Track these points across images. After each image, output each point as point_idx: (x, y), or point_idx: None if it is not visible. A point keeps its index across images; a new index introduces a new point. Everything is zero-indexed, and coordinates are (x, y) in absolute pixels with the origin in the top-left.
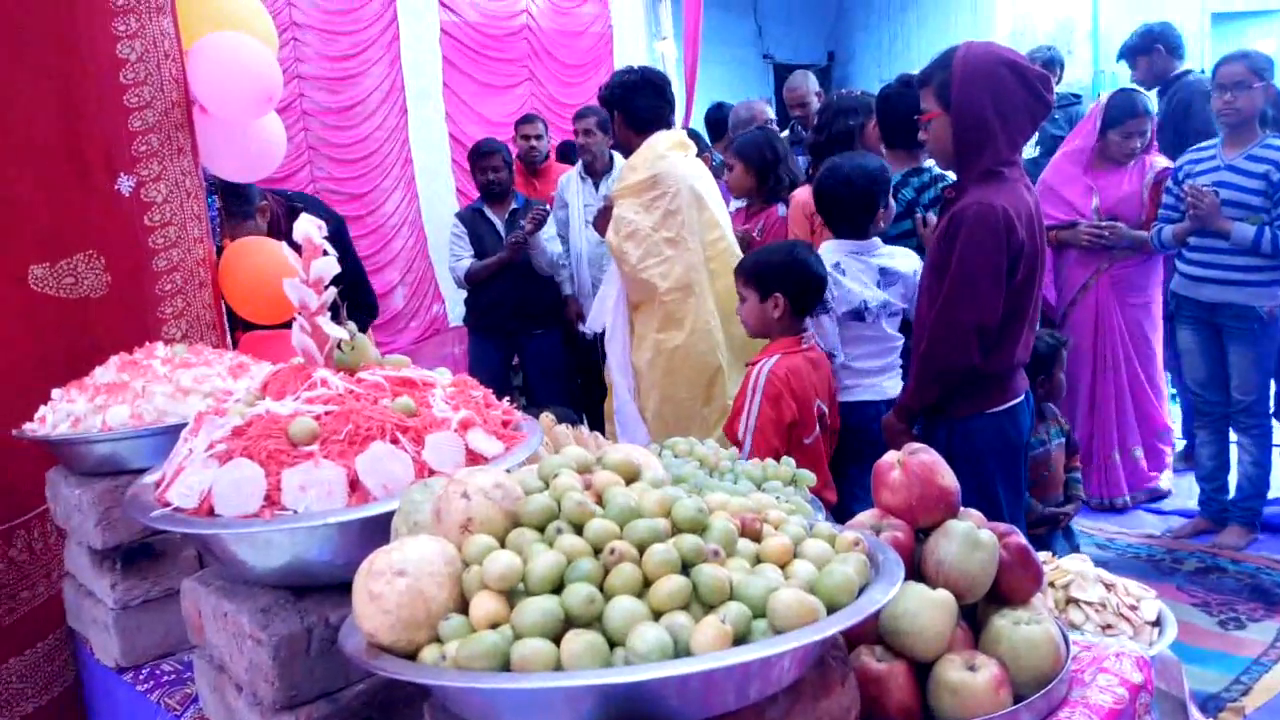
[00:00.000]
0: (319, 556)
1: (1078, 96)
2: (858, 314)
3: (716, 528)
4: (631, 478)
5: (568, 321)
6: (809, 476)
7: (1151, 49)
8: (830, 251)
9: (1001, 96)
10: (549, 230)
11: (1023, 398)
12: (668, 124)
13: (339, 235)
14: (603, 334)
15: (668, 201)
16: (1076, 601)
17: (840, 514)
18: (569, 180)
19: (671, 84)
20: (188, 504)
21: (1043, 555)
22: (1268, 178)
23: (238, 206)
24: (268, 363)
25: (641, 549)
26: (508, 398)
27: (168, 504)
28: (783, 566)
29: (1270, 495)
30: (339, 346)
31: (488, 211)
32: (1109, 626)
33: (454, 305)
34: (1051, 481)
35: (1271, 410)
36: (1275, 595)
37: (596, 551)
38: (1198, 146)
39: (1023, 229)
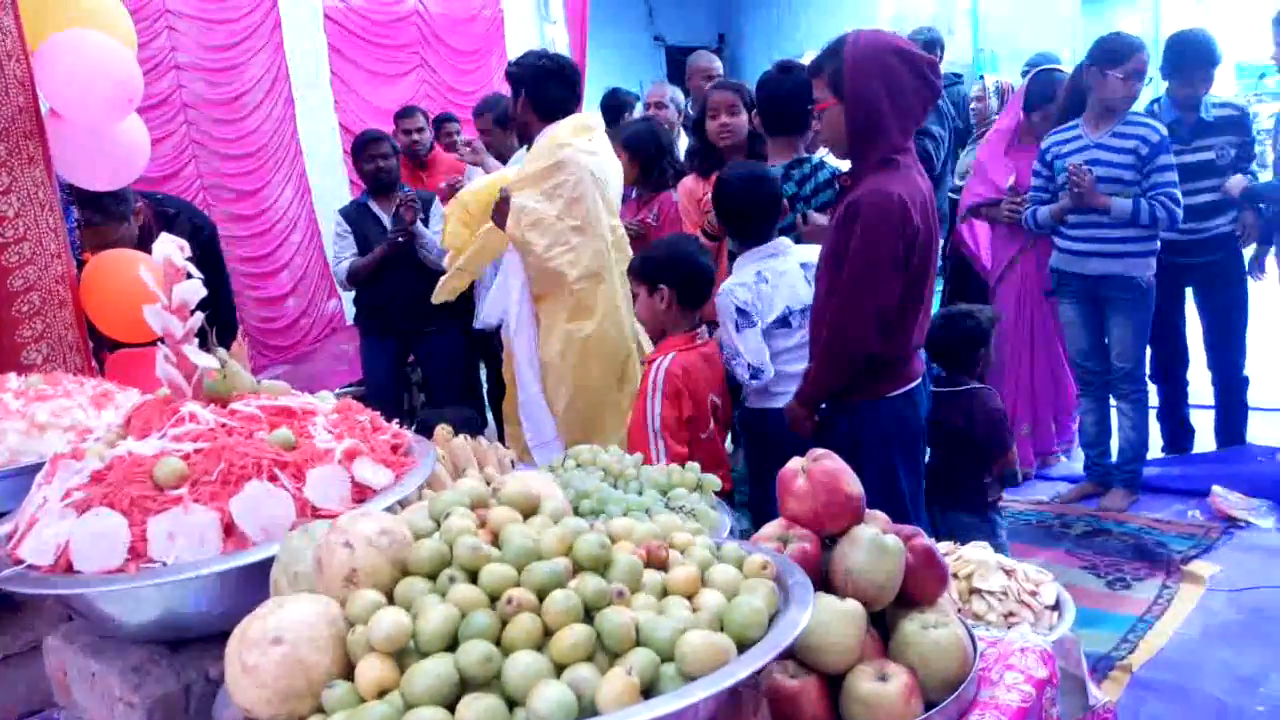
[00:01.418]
0: (193, 608)
1: (959, 76)
2: (784, 320)
3: (620, 564)
4: (530, 511)
5: (464, 315)
6: (714, 481)
7: None
8: (748, 263)
9: (893, 84)
10: (439, 224)
11: (920, 381)
12: (572, 112)
13: (211, 244)
14: (500, 328)
15: (570, 189)
16: (979, 591)
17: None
18: (474, 170)
19: (580, 69)
20: (43, 560)
21: (945, 546)
22: (1136, 153)
23: (115, 206)
24: (135, 391)
25: (542, 594)
26: (408, 403)
27: (20, 561)
28: (690, 597)
29: (1149, 457)
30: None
31: (373, 206)
32: (1011, 614)
33: (351, 302)
34: None
35: (1146, 375)
36: (1157, 554)
37: (493, 599)
38: (1060, 127)
39: (918, 215)
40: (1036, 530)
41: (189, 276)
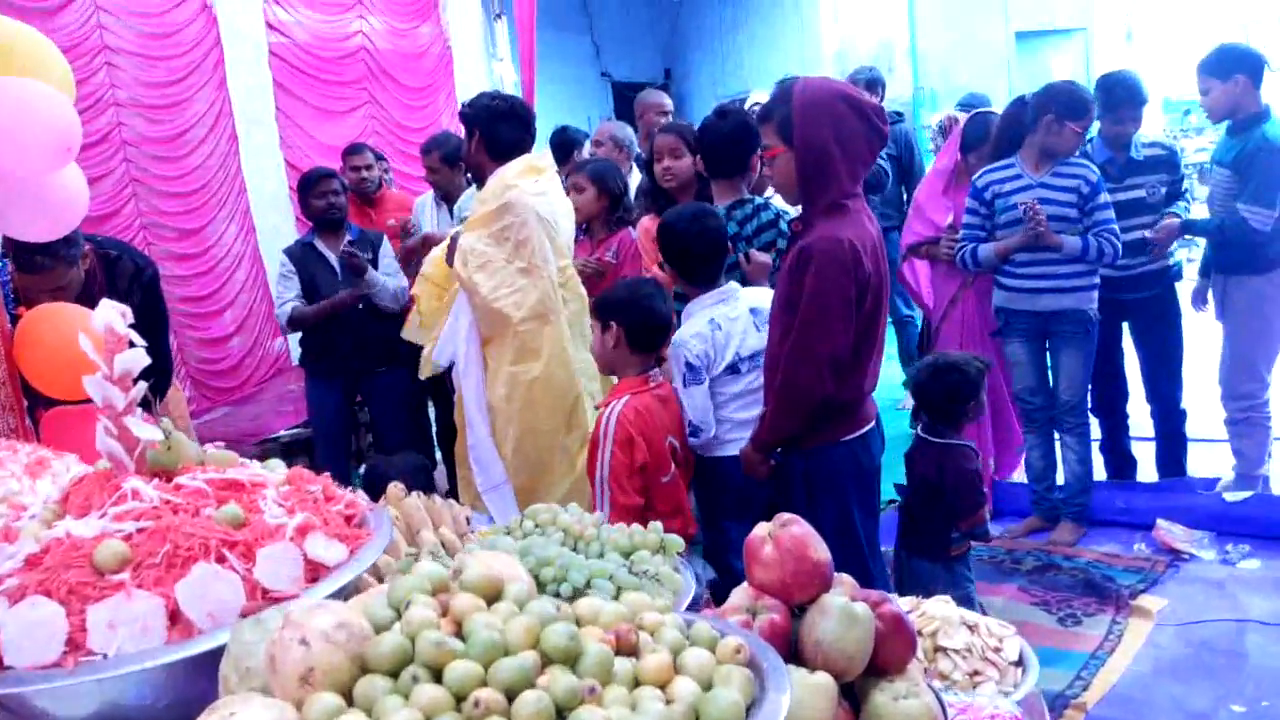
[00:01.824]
0: (136, 701)
1: (900, 115)
2: (733, 368)
3: (590, 655)
4: (494, 596)
5: (413, 356)
6: (677, 542)
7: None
8: (700, 310)
9: (841, 130)
10: (389, 264)
11: (874, 424)
12: (526, 152)
13: (152, 286)
14: (451, 369)
15: (517, 231)
16: (944, 650)
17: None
18: (423, 205)
19: (533, 110)
20: None
21: (908, 602)
22: (1078, 191)
23: (65, 250)
24: (73, 457)
25: (510, 694)
26: (355, 445)
27: None
28: (663, 686)
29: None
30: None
31: (319, 245)
32: (976, 673)
33: (298, 343)
34: None
35: (1089, 407)
36: (1106, 589)
37: (459, 699)
38: (995, 165)
39: (868, 260)
40: (988, 567)
41: (131, 345)
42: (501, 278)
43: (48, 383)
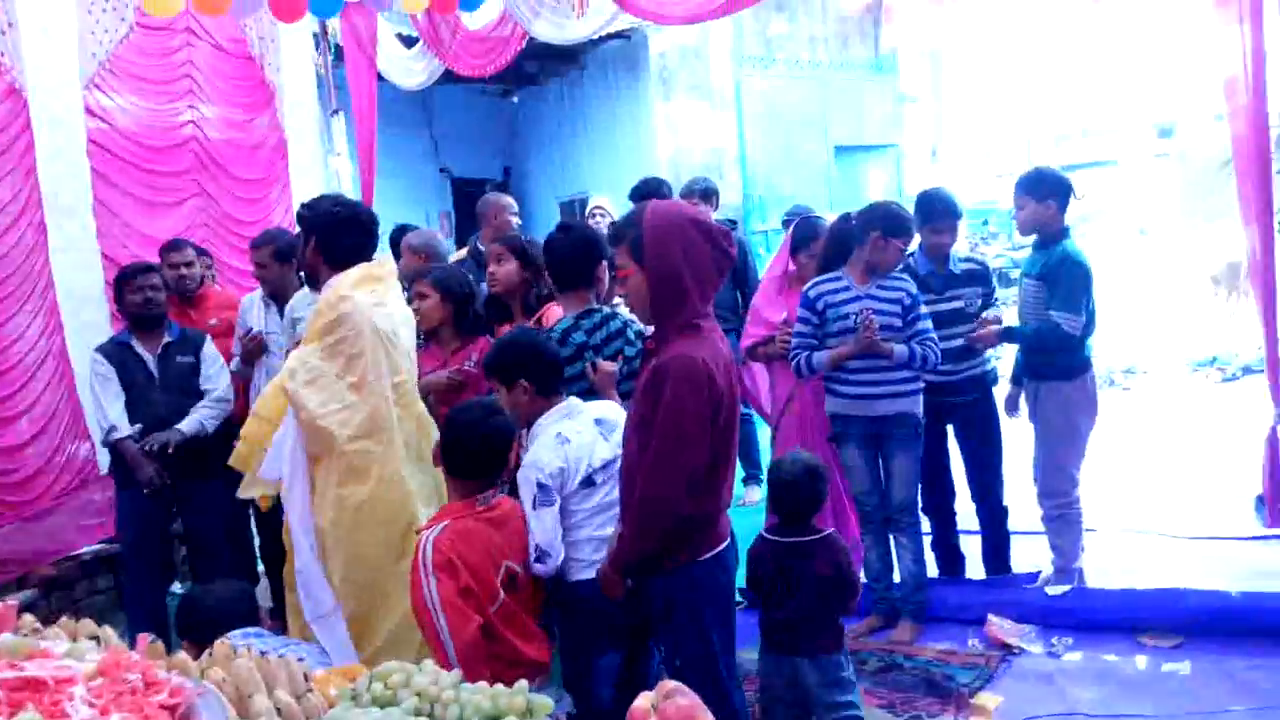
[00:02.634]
0: None
1: (733, 222)
2: (589, 480)
3: None
4: None
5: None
6: (546, 704)
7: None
8: (546, 426)
9: (691, 253)
10: (212, 368)
11: (729, 541)
12: (366, 260)
13: None
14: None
15: (350, 345)
16: None
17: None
18: (251, 305)
19: (376, 217)
20: None
21: None
22: (901, 303)
23: None
24: None
25: None
26: (175, 582)
27: None
28: None
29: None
30: None
31: (136, 345)
32: None
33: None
34: None
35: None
36: (946, 687)
37: None
38: (824, 277)
39: (721, 378)
40: None
41: None
42: (330, 393)
43: None
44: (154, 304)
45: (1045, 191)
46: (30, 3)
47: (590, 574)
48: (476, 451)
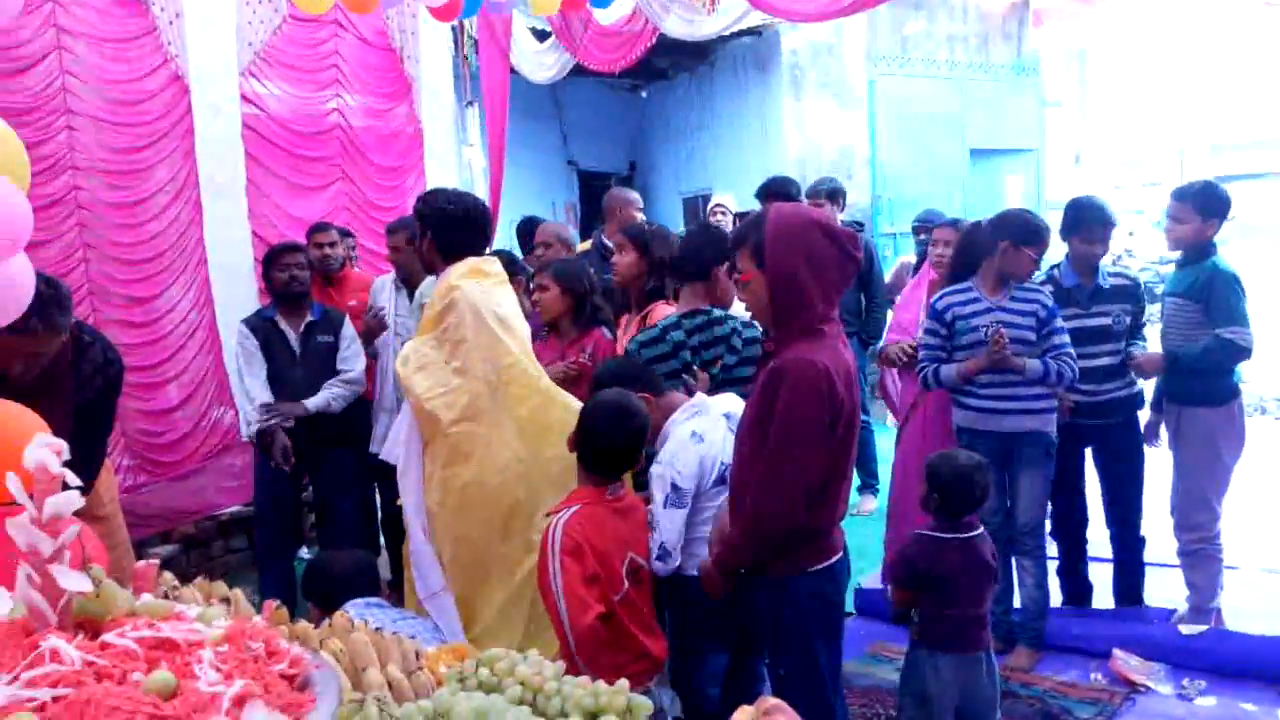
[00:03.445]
0: None
1: (860, 224)
2: (723, 478)
3: None
4: None
5: (363, 438)
6: (645, 704)
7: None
8: (681, 424)
9: (814, 256)
10: (351, 346)
11: (841, 555)
12: (477, 254)
13: (115, 382)
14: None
15: (454, 332)
16: None
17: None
18: (383, 286)
19: (488, 215)
20: None
21: None
22: (1036, 315)
23: (60, 318)
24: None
25: None
26: (303, 547)
27: None
28: None
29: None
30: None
31: (281, 322)
32: None
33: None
34: None
35: (1047, 530)
36: None
37: None
38: (954, 288)
39: (841, 385)
40: None
41: (65, 486)
42: (436, 379)
43: None
44: (298, 282)
45: (1212, 208)
46: None
47: (698, 570)
48: (613, 449)
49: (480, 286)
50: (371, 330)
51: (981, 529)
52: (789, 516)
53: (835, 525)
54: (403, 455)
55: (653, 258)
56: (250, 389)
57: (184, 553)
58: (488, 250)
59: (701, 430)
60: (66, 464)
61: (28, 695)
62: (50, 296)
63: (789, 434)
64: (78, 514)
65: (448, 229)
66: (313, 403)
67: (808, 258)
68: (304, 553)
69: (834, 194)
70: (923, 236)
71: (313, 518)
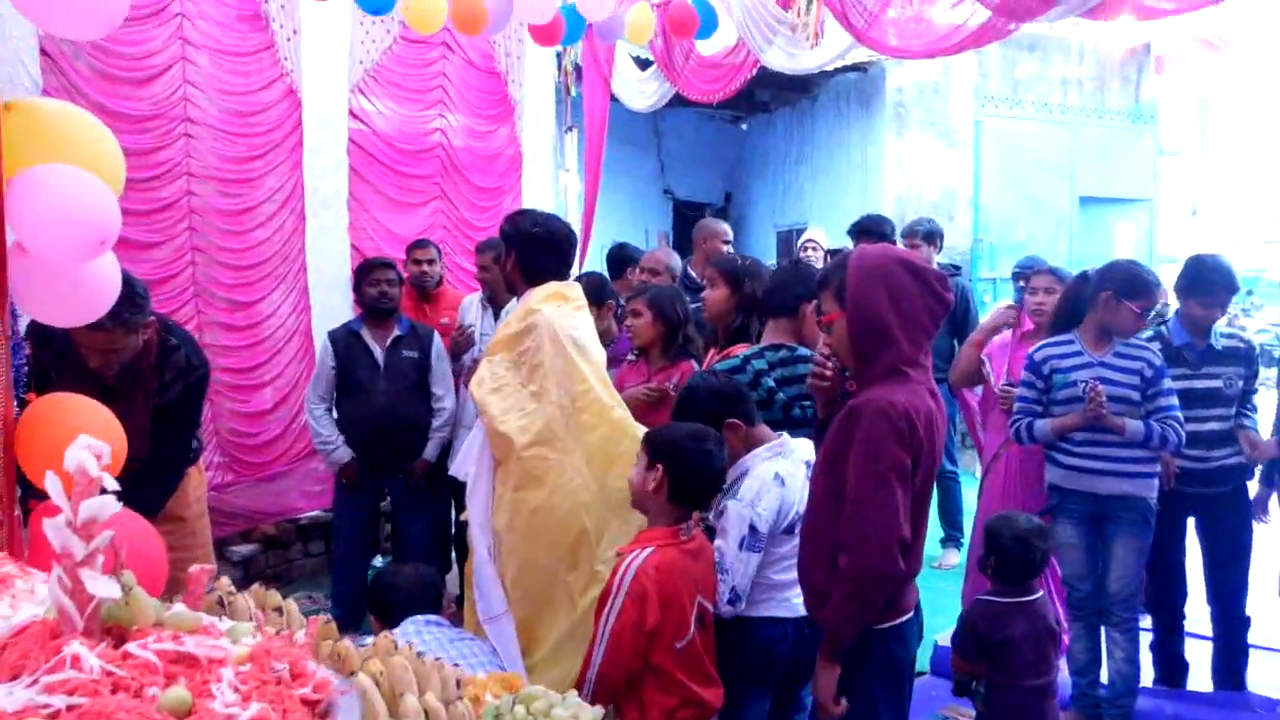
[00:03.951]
0: None
1: (957, 268)
2: (792, 528)
3: None
4: None
5: (442, 454)
6: None
7: None
8: (763, 464)
9: (898, 296)
10: (440, 364)
11: (912, 614)
12: (561, 278)
13: (198, 386)
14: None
15: (532, 355)
16: None
17: None
18: (470, 305)
19: (574, 240)
20: None
21: None
22: (1141, 374)
23: (128, 314)
24: (41, 578)
25: None
26: (377, 556)
27: None
28: None
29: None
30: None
31: (366, 335)
32: None
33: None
34: None
35: (1140, 603)
36: None
37: None
38: (1053, 340)
39: (922, 429)
40: None
41: (104, 491)
42: (512, 401)
43: (43, 476)
44: (387, 298)
45: None
46: (313, 13)
47: (757, 612)
48: (701, 481)
49: (560, 311)
50: (459, 346)
51: (1043, 593)
52: (888, 564)
53: (909, 579)
54: (472, 473)
55: (743, 293)
56: (313, 410)
57: (263, 553)
58: (574, 274)
59: (785, 473)
60: (145, 463)
61: (43, 701)
62: (123, 294)
63: (870, 477)
64: (159, 517)
65: (532, 251)
66: (430, 453)
67: (891, 297)
68: (378, 562)
69: (930, 235)
70: (1021, 284)
71: (389, 528)
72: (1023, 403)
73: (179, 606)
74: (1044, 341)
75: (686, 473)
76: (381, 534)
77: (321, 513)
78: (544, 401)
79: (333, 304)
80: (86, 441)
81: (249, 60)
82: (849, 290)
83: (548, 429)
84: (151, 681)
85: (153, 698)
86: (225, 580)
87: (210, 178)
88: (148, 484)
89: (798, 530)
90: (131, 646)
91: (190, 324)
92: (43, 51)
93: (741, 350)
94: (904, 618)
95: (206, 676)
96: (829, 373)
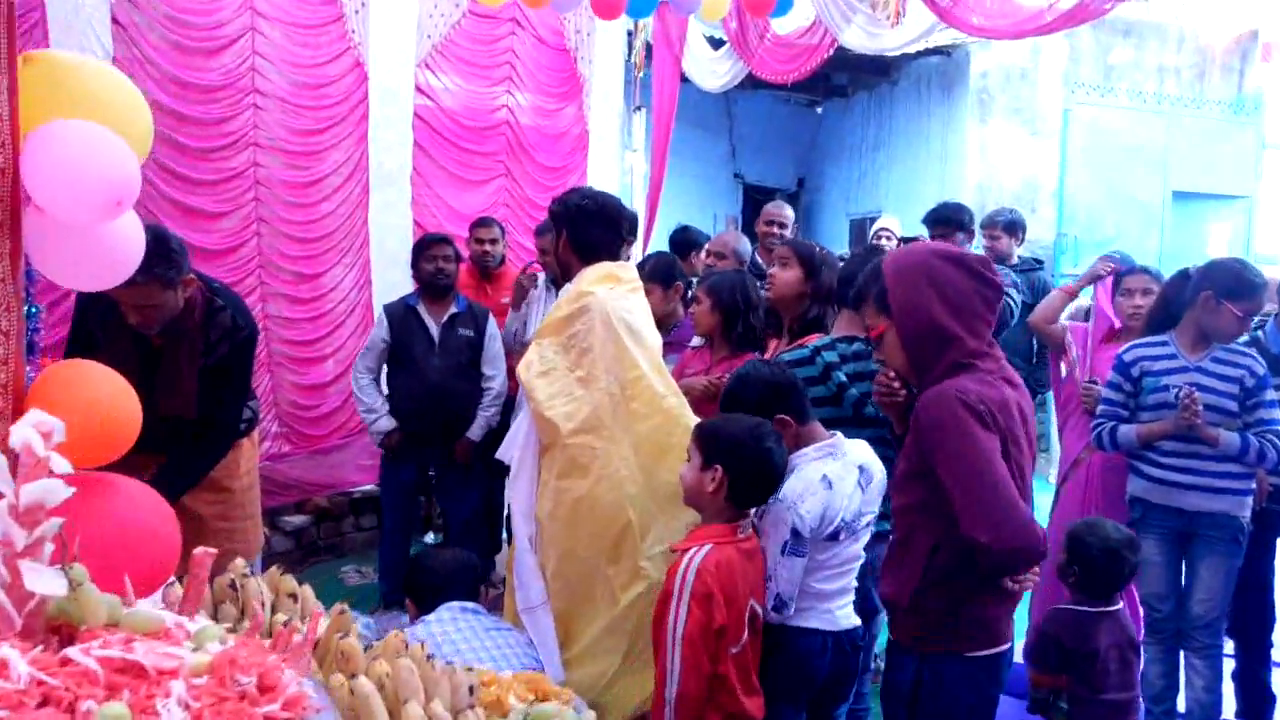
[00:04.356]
0: None
1: (1040, 262)
2: (836, 535)
3: None
4: None
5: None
6: None
7: None
8: (810, 464)
9: (945, 289)
10: (493, 344)
11: (1008, 648)
12: (615, 255)
13: (244, 349)
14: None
15: (582, 339)
16: None
17: None
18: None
19: (629, 214)
20: None
21: None
22: (1241, 383)
23: (160, 269)
24: None
25: None
26: (430, 533)
27: None
28: None
29: None
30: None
31: (422, 310)
32: None
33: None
34: None
35: (1224, 629)
36: None
37: None
38: (1145, 341)
39: (1001, 416)
40: None
41: (51, 473)
42: (559, 386)
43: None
44: (444, 274)
45: None
46: None
47: (796, 622)
48: (762, 477)
49: (614, 293)
50: (522, 287)
51: (1121, 604)
52: (1029, 538)
53: (1015, 606)
54: (516, 459)
55: (819, 281)
56: (358, 379)
57: (314, 525)
58: (638, 258)
59: (834, 475)
60: (192, 426)
61: None
62: (154, 249)
63: (963, 461)
64: (205, 485)
65: (583, 224)
66: (475, 433)
67: (937, 291)
68: (429, 538)
69: (1011, 226)
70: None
71: (438, 508)
72: (1108, 405)
73: (141, 604)
74: (1135, 341)
75: (747, 473)
76: (435, 511)
77: (373, 487)
78: (592, 388)
79: (394, 279)
80: (35, 418)
81: (317, 33)
82: (891, 296)
83: (595, 416)
84: (89, 694)
85: (86, 713)
86: (240, 561)
87: (277, 149)
88: (193, 449)
89: (844, 538)
90: (73, 651)
91: (253, 295)
92: (114, 20)
93: (813, 340)
94: (999, 648)
95: (153, 690)
96: (898, 386)
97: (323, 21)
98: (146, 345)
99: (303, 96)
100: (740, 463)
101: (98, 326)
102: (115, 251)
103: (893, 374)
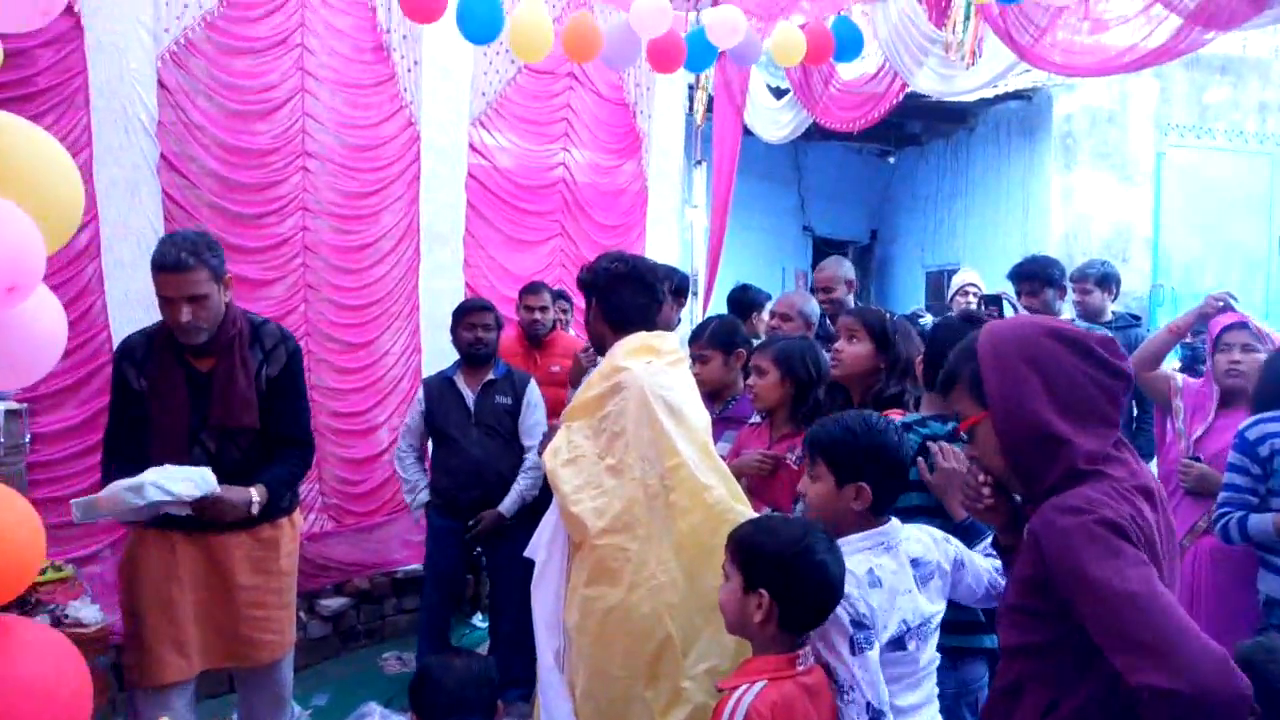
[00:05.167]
0: None
1: (1137, 318)
2: (899, 641)
3: None
4: None
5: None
6: None
7: None
8: (857, 554)
9: (1053, 374)
10: (533, 413)
11: None
12: (652, 323)
13: (296, 357)
14: None
15: (613, 422)
16: None
17: None
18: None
19: (668, 273)
20: None
21: None
22: None
23: (207, 253)
24: None
25: None
26: (477, 614)
27: None
28: None
29: None
30: None
31: (459, 381)
32: None
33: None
34: None
35: None
36: None
37: None
38: (1270, 415)
39: (1137, 536)
40: None
41: None
42: (587, 476)
43: None
44: (482, 344)
45: None
46: (435, 44)
47: None
48: (820, 598)
49: (651, 368)
50: (580, 365)
51: None
52: (1228, 678)
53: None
54: (541, 560)
55: (894, 354)
56: (401, 457)
57: (355, 607)
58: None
59: (881, 571)
60: (259, 440)
61: None
62: (201, 242)
63: (1121, 586)
64: (248, 538)
65: (614, 290)
66: (507, 506)
67: (1045, 381)
68: (478, 620)
69: (1105, 280)
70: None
71: (488, 584)
72: (1233, 492)
73: None
74: (1260, 416)
75: (797, 596)
76: (483, 590)
77: (418, 566)
78: (624, 478)
79: (443, 345)
80: None
81: (369, 93)
82: (986, 384)
83: (628, 512)
84: None
85: None
86: None
87: (326, 213)
88: (279, 464)
89: (912, 645)
90: None
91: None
92: (160, 85)
93: (897, 417)
94: None
95: None
96: (987, 493)
97: (375, 81)
98: (195, 371)
99: (354, 158)
100: (789, 587)
101: (138, 374)
102: (22, 342)
103: (983, 476)
